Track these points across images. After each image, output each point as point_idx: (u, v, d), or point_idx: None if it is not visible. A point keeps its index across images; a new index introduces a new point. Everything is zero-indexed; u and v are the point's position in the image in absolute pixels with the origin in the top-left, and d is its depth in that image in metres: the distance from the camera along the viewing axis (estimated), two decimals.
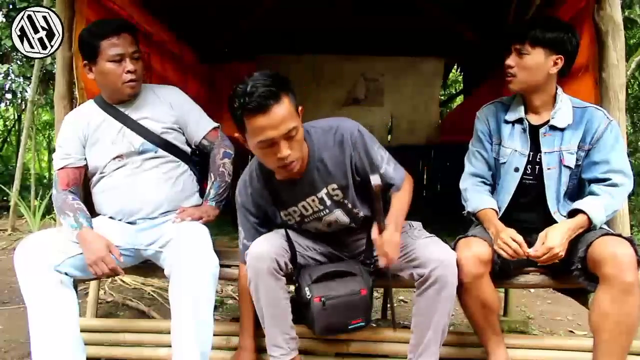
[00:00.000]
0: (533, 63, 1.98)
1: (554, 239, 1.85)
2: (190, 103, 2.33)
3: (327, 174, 1.90)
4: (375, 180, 1.62)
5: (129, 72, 2.10)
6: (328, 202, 1.94)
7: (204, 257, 1.92)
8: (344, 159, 1.87)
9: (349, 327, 1.98)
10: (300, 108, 1.76)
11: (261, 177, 1.95)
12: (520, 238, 1.89)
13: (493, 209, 2.06)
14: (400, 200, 1.93)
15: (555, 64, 1.98)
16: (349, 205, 1.97)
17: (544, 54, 1.97)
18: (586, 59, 2.32)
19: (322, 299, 1.91)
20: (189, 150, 2.30)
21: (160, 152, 2.19)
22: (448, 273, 1.82)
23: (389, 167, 1.95)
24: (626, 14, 6.53)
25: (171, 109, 2.25)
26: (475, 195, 2.12)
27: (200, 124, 2.29)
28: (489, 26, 4.38)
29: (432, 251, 1.87)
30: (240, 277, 2.06)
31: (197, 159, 2.35)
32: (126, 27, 2.14)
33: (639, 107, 8.74)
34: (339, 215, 1.99)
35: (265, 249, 1.89)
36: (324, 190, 1.92)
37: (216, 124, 2.34)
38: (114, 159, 2.16)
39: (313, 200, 1.94)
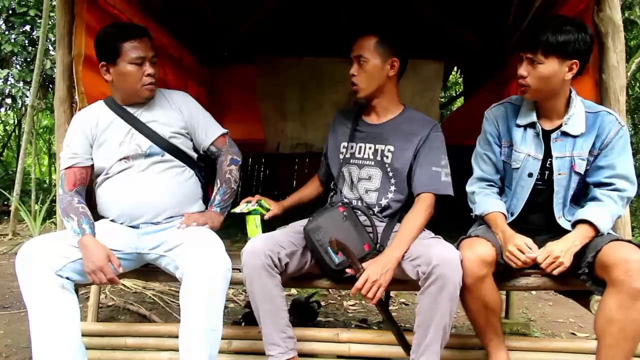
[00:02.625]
0: (548, 72, 1.90)
1: (555, 245, 1.86)
2: (199, 109, 2.34)
3: (395, 134, 2.19)
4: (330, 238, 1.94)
5: (149, 75, 2.12)
6: (378, 157, 2.21)
7: (217, 260, 1.91)
8: (415, 134, 2.18)
9: (326, 249, 1.99)
10: (393, 59, 2.17)
11: (355, 111, 2.34)
12: (527, 247, 1.88)
13: (501, 212, 2.05)
14: (408, 230, 2.02)
15: (571, 69, 1.91)
16: (390, 174, 2.18)
17: (558, 61, 1.88)
18: None
19: (345, 213, 2.09)
20: (195, 156, 2.31)
21: (167, 156, 2.19)
22: (451, 271, 1.82)
23: (438, 172, 2.12)
24: (626, 15, 6.54)
25: (180, 114, 2.25)
26: (483, 199, 2.11)
27: (208, 130, 2.30)
28: (489, 28, 4.38)
29: (436, 250, 1.88)
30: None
31: (203, 165, 2.36)
32: (146, 32, 2.17)
33: None
34: (376, 174, 2.21)
35: (259, 246, 1.96)
36: (382, 146, 2.21)
37: (224, 130, 2.35)
38: (120, 160, 2.16)
39: (370, 148, 2.23)
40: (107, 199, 2.19)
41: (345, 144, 2.28)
